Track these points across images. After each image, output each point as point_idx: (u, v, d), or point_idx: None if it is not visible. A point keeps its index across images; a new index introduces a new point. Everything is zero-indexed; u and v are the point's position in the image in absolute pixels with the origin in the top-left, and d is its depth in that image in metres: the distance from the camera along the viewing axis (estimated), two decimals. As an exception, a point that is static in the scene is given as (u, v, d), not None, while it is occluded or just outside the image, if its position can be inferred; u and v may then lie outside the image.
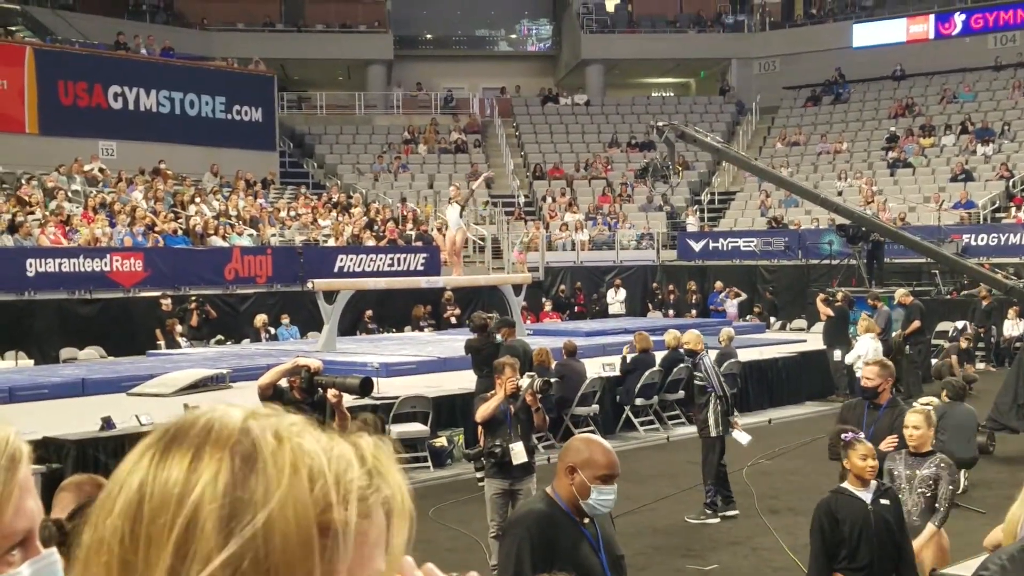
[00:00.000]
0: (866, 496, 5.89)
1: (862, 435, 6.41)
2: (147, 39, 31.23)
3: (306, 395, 7.05)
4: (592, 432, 12.04)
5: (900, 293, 19.47)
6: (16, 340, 18.37)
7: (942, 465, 6.85)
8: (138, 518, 0.90)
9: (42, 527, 1.24)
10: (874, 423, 7.81)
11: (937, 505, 6.82)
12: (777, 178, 26.19)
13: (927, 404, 7.97)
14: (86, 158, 25.77)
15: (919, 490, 6.83)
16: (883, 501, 5.92)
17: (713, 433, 10.75)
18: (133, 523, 0.90)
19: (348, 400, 10.86)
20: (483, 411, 8.64)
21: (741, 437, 11.04)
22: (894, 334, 18.35)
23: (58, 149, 25.47)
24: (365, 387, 6.86)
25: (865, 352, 14.87)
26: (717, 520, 10.70)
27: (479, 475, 9.26)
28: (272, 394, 7.12)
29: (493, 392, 8.93)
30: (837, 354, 17.64)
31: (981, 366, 21.30)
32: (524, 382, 8.69)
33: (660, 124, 24.77)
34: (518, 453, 8.45)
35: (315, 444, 0.93)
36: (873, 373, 8.07)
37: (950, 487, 6.85)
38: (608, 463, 4.16)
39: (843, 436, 6.08)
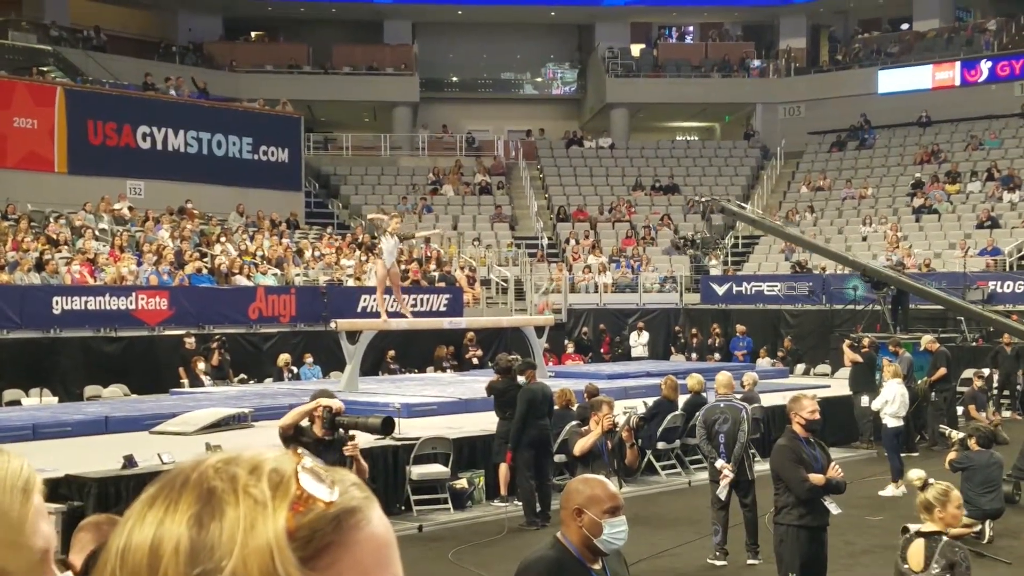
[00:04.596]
0: None
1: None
2: (176, 80, 31.59)
3: (328, 434, 7.05)
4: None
5: (926, 340, 19.32)
6: (41, 377, 18.47)
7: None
8: None
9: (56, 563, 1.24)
10: (817, 456, 7.91)
11: None
12: (815, 247, 26.42)
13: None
14: (114, 197, 26.00)
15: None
16: None
17: (750, 476, 10.74)
18: None
19: (370, 440, 10.86)
20: (581, 445, 8.72)
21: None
22: (919, 381, 18.19)
23: (86, 188, 25.70)
24: (387, 427, 6.78)
25: (892, 398, 14.73)
26: (724, 563, 10.63)
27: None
28: (293, 435, 7.11)
29: (587, 428, 9.04)
30: (864, 400, 17.49)
31: (1007, 414, 21.06)
32: (620, 419, 8.81)
33: (703, 199, 25.18)
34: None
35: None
36: (817, 407, 7.98)
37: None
38: (610, 495, 4.21)
39: None
